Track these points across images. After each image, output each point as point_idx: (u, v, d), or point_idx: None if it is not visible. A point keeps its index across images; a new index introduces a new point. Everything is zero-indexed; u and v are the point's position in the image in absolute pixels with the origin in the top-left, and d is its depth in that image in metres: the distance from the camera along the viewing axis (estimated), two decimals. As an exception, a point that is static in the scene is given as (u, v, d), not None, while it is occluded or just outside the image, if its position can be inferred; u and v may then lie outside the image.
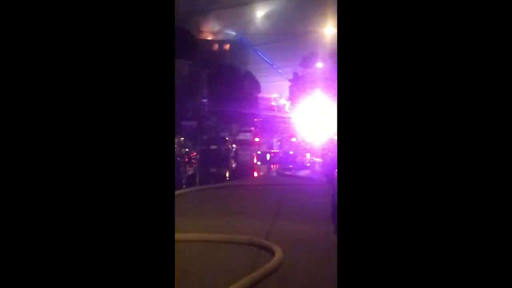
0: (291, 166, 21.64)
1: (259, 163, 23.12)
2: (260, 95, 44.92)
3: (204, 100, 33.69)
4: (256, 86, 43.69)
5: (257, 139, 24.06)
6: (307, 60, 31.40)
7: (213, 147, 21.21)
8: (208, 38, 43.73)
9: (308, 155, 23.90)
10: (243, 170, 21.43)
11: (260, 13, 46.71)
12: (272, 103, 43.14)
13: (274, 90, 41.99)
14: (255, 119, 24.61)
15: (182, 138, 17.94)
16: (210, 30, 45.60)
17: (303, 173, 20.68)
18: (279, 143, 24.68)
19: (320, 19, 33.45)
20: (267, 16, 45.87)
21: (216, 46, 45.59)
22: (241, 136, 25.99)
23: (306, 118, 24.10)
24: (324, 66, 28.02)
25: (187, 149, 17.07)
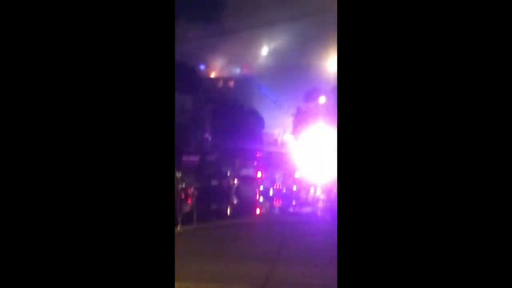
0: (294, 203, 20.71)
1: (261, 199, 22.14)
2: (264, 131, 44.37)
3: (207, 135, 33.03)
4: (259, 122, 43.20)
5: (259, 175, 23.08)
6: (309, 95, 30.92)
7: (214, 182, 20.32)
8: (213, 75, 43.60)
9: (311, 191, 22.99)
10: (245, 207, 20.50)
11: (264, 50, 46.69)
12: (276, 138, 42.50)
13: (278, 126, 41.49)
14: (257, 155, 23.71)
15: (179, 174, 17.04)
16: (215, 66, 45.54)
17: (306, 209, 19.77)
18: (281, 178, 23.72)
19: (322, 53, 33.18)
20: (271, 53, 45.80)
21: (221, 83, 45.35)
22: (244, 172, 25.16)
23: (309, 153, 23.34)
24: (326, 101, 27.45)
25: (183, 185, 16.16)
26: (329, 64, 31.17)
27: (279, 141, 40.22)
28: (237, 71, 46.12)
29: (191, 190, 15.57)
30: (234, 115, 38.10)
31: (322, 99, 28.88)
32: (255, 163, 24.12)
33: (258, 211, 20.31)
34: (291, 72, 39.75)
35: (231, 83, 45.55)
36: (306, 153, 23.76)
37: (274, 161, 24.86)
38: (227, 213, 19.57)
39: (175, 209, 13.78)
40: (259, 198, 22.04)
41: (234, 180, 22.35)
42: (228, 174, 22.02)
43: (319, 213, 17.26)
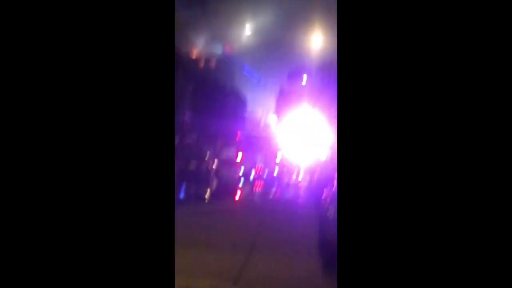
0: (274, 189, 19.69)
1: (241, 183, 21.11)
2: (246, 112, 43.36)
3: (186, 117, 31.84)
4: (242, 103, 42.17)
5: (239, 158, 22.01)
6: (292, 75, 29.83)
7: (192, 165, 19.23)
8: (194, 54, 42.27)
9: (294, 175, 22.03)
10: (225, 191, 19.50)
11: (247, 28, 45.46)
12: (259, 120, 41.54)
13: (261, 107, 40.54)
14: (237, 137, 22.57)
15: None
16: (196, 45, 44.20)
17: (289, 193, 18.83)
18: (262, 161, 22.61)
19: (306, 32, 32.12)
20: (254, 32, 44.63)
21: (201, 62, 44.06)
22: (224, 154, 24.09)
23: (292, 135, 22.33)
24: (309, 80, 26.39)
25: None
26: (313, 43, 30.18)
27: (262, 122, 39.24)
28: (219, 50, 44.92)
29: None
30: (215, 96, 36.91)
31: (305, 79, 27.81)
32: (235, 146, 23.00)
33: (238, 196, 19.30)
34: (274, 51, 38.72)
35: (213, 63, 44.30)
36: (289, 135, 22.71)
37: (256, 144, 23.73)
38: (205, 197, 18.55)
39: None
40: (239, 182, 21.00)
41: (213, 162, 21.31)
42: (207, 157, 20.93)
43: (301, 198, 16.34)
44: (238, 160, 21.69)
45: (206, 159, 20.41)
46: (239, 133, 22.44)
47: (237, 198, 19.13)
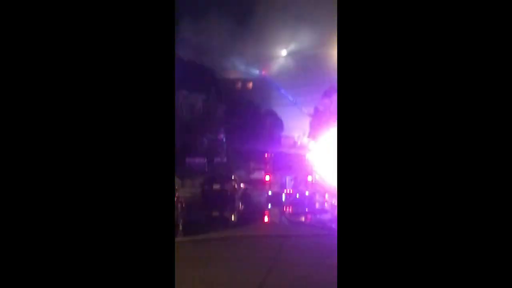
0: (307, 210, 17.54)
1: (269, 205, 19.17)
2: (283, 133, 41.90)
3: (221, 137, 30.47)
4: (278, 123, 40.72)
5: (267, 178, 20.12)
6: (326, 94, 28.08)
7: (216, 186, 17.55)
8: (231, 76, 41.27)
9: (327, 196, 19.92)
10: (252, 214, 17.69)
11: (283, 51, 44.21)
12: (296, 141, 39.85)
13: (297, 128, 39.00)
14: (266, 156, 20.72)
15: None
16: (233, 68, 43.29)
17: (324, 217, 16.76)
18: (292, 182, 20.64)
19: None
20: (290, 54, 43.33)
21: (239, 84, 43.02)
22: (254, 175, 22.41)
23: (325, 155, 20.32)
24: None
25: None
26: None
27: (298, 143, 37.48)
28: (256, 72, 43.92)
29: (177, 196, 12.86)
30: (251, 116, 35.56)
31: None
32: (264, 166, 21.13)
33: (266, 218, 17.41)
34: (309, 73, 37.25)
35: (250, 84, 43.23)
36: (322, 155, 20.72)
37: (286, 164, 21.87)
38: (231, 221, 16.79)
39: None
40: (267, 204, 19.05)
41: (239, 183, 19.51)
42: (233, 177, 19.18)
43: (334, 223, 14.30)
44: (267, 178, 19.80)
45: (233, 178, 18.68)
46: (268, 153, 20.55)
47: (266, 219, 17.27)
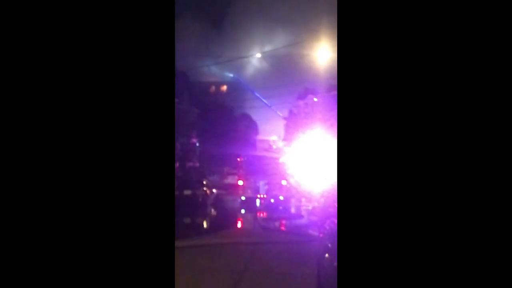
0: (278, 221, 16.58)
1: (243, 211, 18.40)
2: (258, 137, 41.29)
3: (193, 141, 29.53)
4: (253, 127, 40.11)
5: (240, 182, 19.35)
6: (301, 97, 27.52)
7: (187, 192, 16.72)
8: (204, 79, 40.42)
9: (303, 201, 19.27)
10: (225, 220, 16.92)
11: (258, 54, 43.73)
12: (271, 144, 39.22)
13: (273, 132, 38.38)
14: (239, 159, 19.95)
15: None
16: (207, 71, 42.51)
17: (299, 222, 16.08)
18: (266, 187, 19.86)
19: (316, 55, 30.08)
20: (264, 56, 42.85)
21: (213, 87, 42.24)
22: (228, 180, 21.60)
23: (301, 158, 19.69)
24: (318, 101, 23.94)
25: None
26: (323, 65, 28.12)
27: (273, 147, 36.83)
28: (230, 75, 43.17)
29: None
30: (225, 120, 34.74)
31: (313, 100, 25.39)
32: (237, 170, 20.36)
33: (239, 224, 16.66)
34: (284, 75, 36.74)
35: (223, 87, 42.41)
36: (297, 159, 20.07)
37: (260, 168, 21.07)
38: (203, 227, 16.00)
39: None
40: (240, 210, 18.28)
41: (211, 188, 18.73)
42: (205, 182, 18.40)
43: (311, 228, 13.65)
44: (240, 183, 19.07)
45: (204, 183, 17.89)
46: (241, 157, 19.76)
47: (239, 225, 16.53)
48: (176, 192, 16.88)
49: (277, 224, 15.81)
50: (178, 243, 11.27)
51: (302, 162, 20.44)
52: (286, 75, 34.53)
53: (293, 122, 26.25)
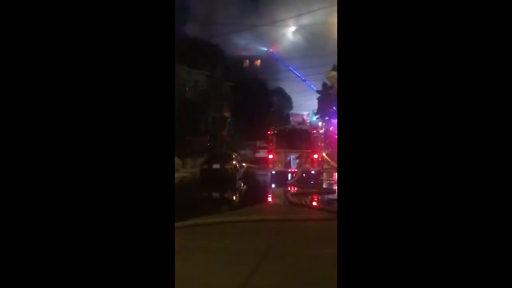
0: (310, 196, 15.71)
1: (273, 185, 17.72)
2: (291, 111, 40.37)
3: (226, 114, 28.91)
4: (287, 102, 39.11)
5: (271, 156, 18.60)
6: (335, 67, 26.31)
7: (216, 166, 16.16)
8: (238, 53, 39.64)
9: (336, 176, 18.38)
10: (254, 195, 16.36)
11: (292, 27, 42.46)
12: (305, 119, 38.28)
13: (307, 106, 37.41)
14: (269, 132, 19.18)
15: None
16: (241, 44, 41.62)
17: (331, 197, 15.30)
18: (297, 160, 19.08)
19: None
20: (299, 30, 41.57)
21: (246, 62, 41.39)
22: (260, 154, 20.97)
23: (334, 131, 18.74)
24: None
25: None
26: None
27: (307, 121, 35.84)
28: (264, 49, 42.23)
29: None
30: (258, 94, 33.99)
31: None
32: (267, 144, 19.58)
33: (269, 199, 16.06)
34: (318, 48, 35.54)
35: (257, 62, 41.59)
36: (330, 132, 19.17)
37: (291, 141, 20.24)
38: (232, 201, 15.48)
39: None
40: (271, 184, 17.62)
41: (241, 163, 18.07)
42: (235, 156, 17.77)
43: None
44: (271, 157, 18.27)
45: (234, 157, 17.26)
46: (271, 130, 18.93)
47: (269, 200, 15.94)
48: (205, 166, 16.38)
49: (308, 199, 15.06)
50: (198, 220, 10.83)
51: (335, 135, 19.47)
52: (320, 48, 33.39)
53: (327, 95, 25.25)
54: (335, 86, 23.56)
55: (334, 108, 21.66)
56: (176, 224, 9.37)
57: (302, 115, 40.10)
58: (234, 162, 16.99)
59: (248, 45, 42.96)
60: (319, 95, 29.69)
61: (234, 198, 15.90)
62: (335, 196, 15.78)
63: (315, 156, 18.71)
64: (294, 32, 41.93)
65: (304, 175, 18.46)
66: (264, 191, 16.72)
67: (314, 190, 16.70)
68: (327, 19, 35.00)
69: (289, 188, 17.00)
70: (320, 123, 32.57)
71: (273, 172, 17.95)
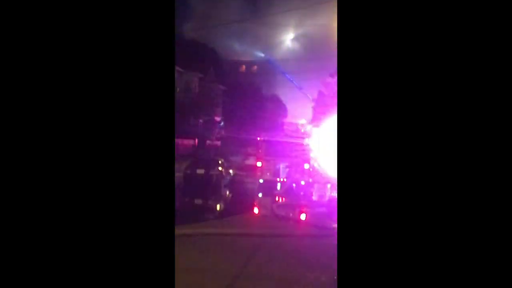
0: (298, 209, 14.52)
1: (260, 194, 16.59)
2: (286, 120, 39.34)
3: (218, 119, 27.87)
4: (282, 110, 38.25)
5: (259, 164, 17.51)
6: (332, 75, 25.45)
7: (200, 171, 15.07)
8: (233, 57, 38.68)
9: (328, 187, 17.25)
10: (240, 204, 15.21)
11: (290, 35, 41.62)
12: (299, 128, 37.24)
13: (302, 115, 36.48)
14: (258, 139, 18.15)
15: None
16: (238, 49, 40.67)
17: (322, 211, 14.23)
18: (287, 169, 17.96)
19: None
20: (297, 38, 40.76)
21: (243, 66, 40.40)
22: (249, 161, 19.83)
23: (327, 141, 17.62)
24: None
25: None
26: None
27: (301, 130, 34.85)
28: (261, 55, 41.39)
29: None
30: (252, 100, 32.99)
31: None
32: (256, 151, 18.50)
33: (256, 210, 14.91)
34: (316, 57, 34.71)
35: (254, 68, 40.65)
36: (323, 142, 18.03)
37: (282, 149, 19.13)
38: (216, 210, 14.35)
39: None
40: (258, 194, 16.46)
41: (227, 169, 16.98)
42: (221, 162, 16.67)
43: (332, 219, 11.83)
44: (259, 164, 17.21)
45: (219, 163, 16.16)
46: (261, 136, 17.95)
47: (255, 211, 14.80)
48: (188, 171, 15.26)
49: (296, 212, 13.92)
50: (177, 230, 9.71)
51: (328, 146, 18.36)
52: (318, 57, 32.52)
53: (322, 103, 24.31)
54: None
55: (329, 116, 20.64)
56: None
57: (296, 123, 39.21)
58: (220, 168, 15.89)
59: (246, 50, 41.97)
60: (313, 103, 28.82)
61: (218, 206, 14.75)
62: (323, 209, 14.69)
63: (306, 166, 17.66)
64: (292, 40, 41.07)
65: (294, 185, 17.37)
66: (251, 201, 15.58)
67: (302, 202, 15.56)
68: (326, 31, 34.29)
69: (276, 199, 15.88)
70: (312, 131, 31.69)
71: (261, 180, 16.85)
